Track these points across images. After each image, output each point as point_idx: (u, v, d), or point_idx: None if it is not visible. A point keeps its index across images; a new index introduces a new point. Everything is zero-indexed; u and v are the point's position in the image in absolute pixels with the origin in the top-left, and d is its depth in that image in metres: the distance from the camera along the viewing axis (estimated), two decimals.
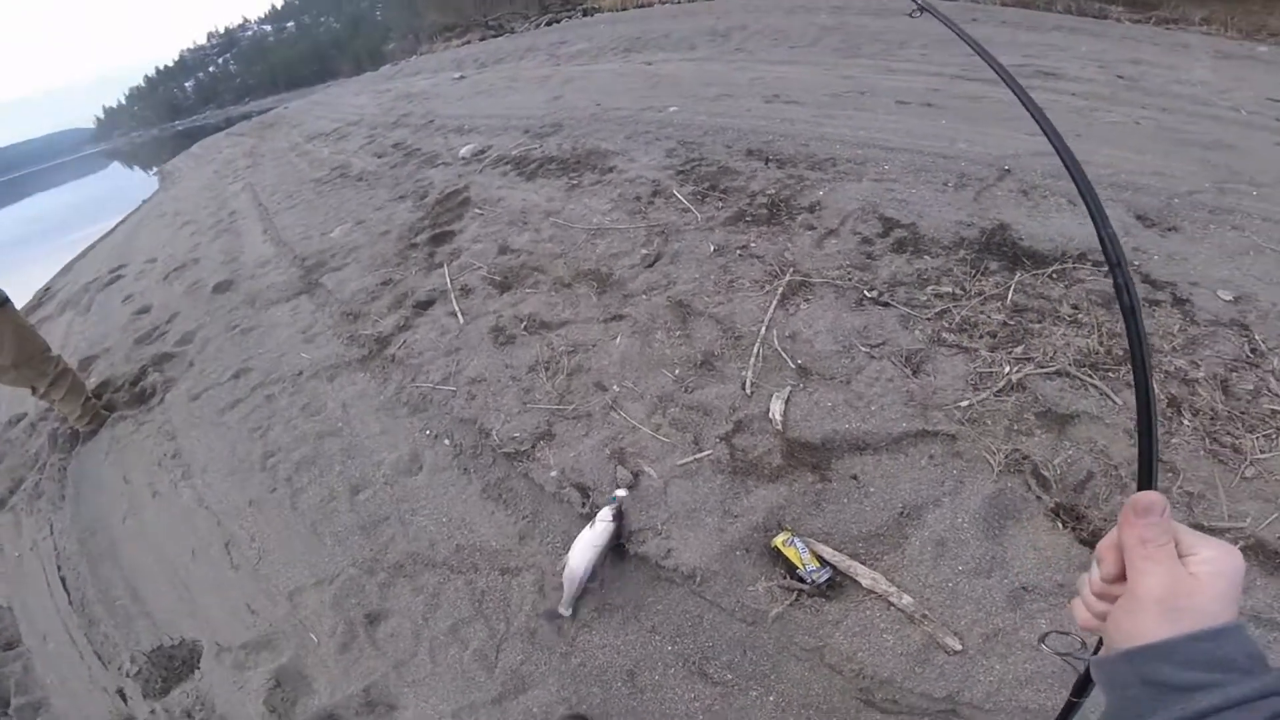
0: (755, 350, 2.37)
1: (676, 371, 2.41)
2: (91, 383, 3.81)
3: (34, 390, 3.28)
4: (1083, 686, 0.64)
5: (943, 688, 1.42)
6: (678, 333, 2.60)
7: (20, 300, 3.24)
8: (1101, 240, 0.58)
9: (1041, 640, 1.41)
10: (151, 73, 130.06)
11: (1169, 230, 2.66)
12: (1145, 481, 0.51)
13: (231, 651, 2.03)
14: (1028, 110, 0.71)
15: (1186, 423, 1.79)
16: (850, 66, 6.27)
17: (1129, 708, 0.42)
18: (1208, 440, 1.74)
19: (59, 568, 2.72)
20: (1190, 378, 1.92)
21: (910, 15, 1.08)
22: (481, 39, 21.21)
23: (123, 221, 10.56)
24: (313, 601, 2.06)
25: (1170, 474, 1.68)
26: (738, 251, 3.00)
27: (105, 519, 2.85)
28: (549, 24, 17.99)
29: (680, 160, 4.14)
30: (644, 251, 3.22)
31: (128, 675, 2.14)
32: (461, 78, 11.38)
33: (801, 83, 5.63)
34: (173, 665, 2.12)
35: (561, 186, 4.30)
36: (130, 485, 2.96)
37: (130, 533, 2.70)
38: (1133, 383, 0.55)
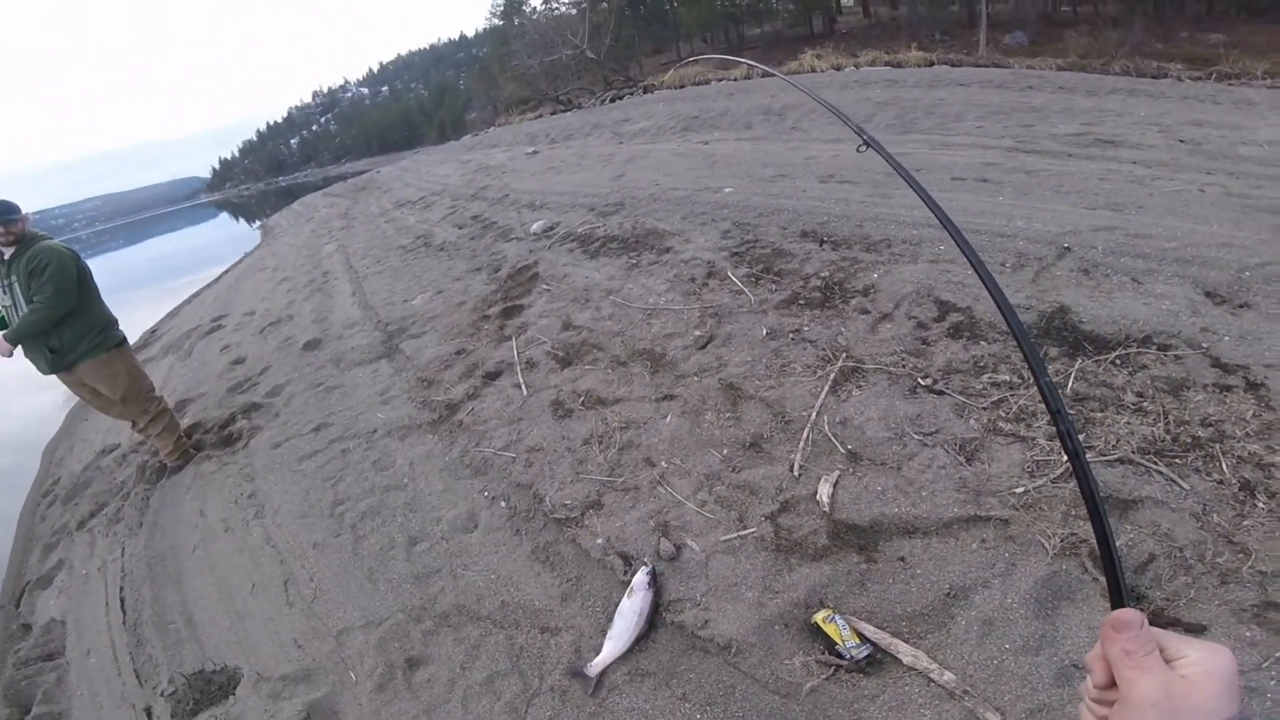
0: (805, 435, 2.41)
1: (724, 452, 2.46)
2: (185, 423, 4.19)
3: (134, 424, 3.64)
4: None
5: None
6: (727, 414, 2.66)
7: (129, 339, 3.64)
8: (1041, 390, 0.63)
9: None
10: (263, 127, 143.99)
11: (1240, 307, 2.54)
12: (1117, 602, 0.54)
13: (270, 682, 2.12)
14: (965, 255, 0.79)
15: (1261, 505, 1.73)
16: (905, 142, 6.38)
17: None
18: None
19: (121, 588, 2.92)
20: (1266, 462, 1.85)
21: (858, 150, 1.19)
22: (552, 113, 22.87)
23: (227, 271, 11.64)
24: (358, 642, 2.15)
25: (1242, 554, 1.63)
26: (790, 335, 3.06)
27: (177, 548, 3.06)
28: (613, 100, 19.24)
29: (735, 242, 4.28)
30: (697, 333, 3.33)
31: (162, 694, 2.25)
32: (535, 153, 12.27)
33: (856, 161, 5.76)
34: (209, 689, 2.21)
35: (621, 265, 4.51)
36: (205, 519, 3.20)
37: (198, 562, 2.90)
38: (1090, 519, 0.60)
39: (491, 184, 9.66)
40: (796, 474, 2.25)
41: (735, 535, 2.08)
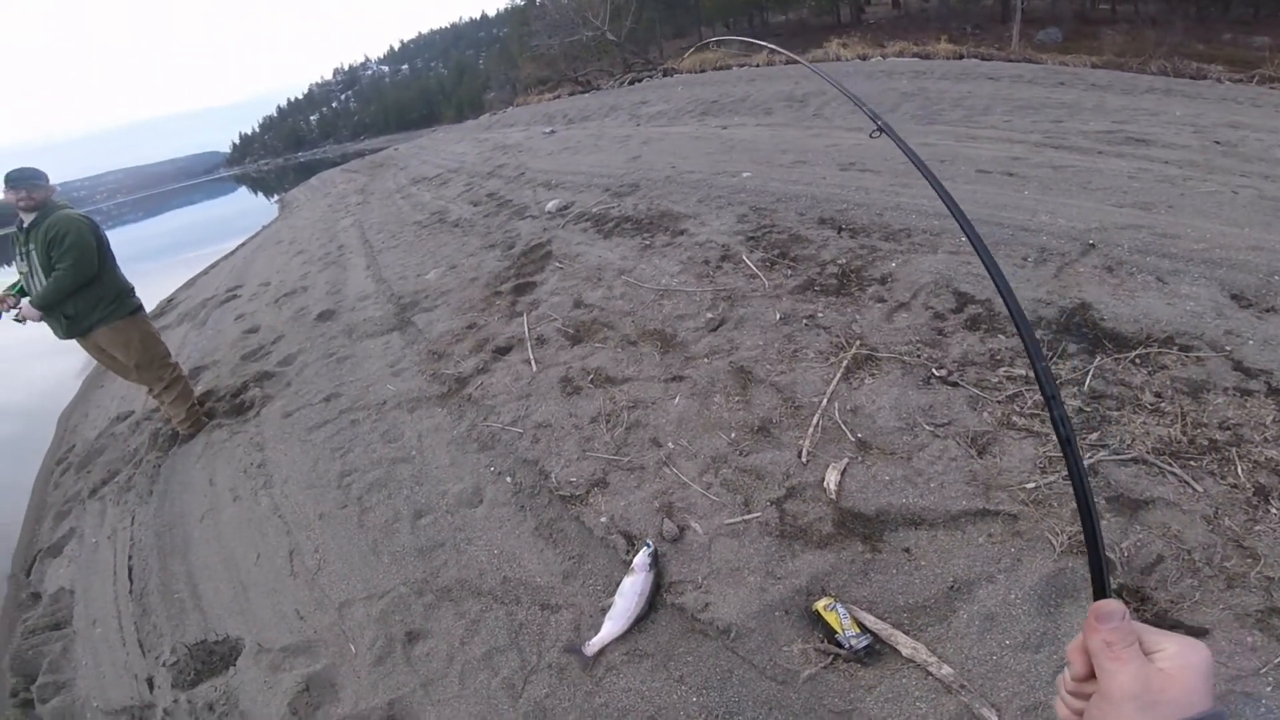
0: (815, 421, 2.38)
1: (732, 435, 2.44)
2: (198, 390, 4.23)
3: (150, 390, 3.69)
4: None
5: None
6: (736, 398, 2.64)
7: (146, 307, 3.69)
8: (1036, 374, 0.62)
9: None
10: (284, 103, 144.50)
11: (1267, 311, 2.48)
12: (1100, 592, 0.54)
13: (270, 653, 2.14)
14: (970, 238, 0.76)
15: (1274, 510, 1.71)
16: (930, 134, 6.25)
17: None
18: None
19: (130, 557, 2.95)
20: None
21: (871, 136, 1.16)
22: (571, 94, 22.65)
23: (244, 244, 11.75)
24: (359, 614, 2.16)
25: (1250, 559, 1.61)
26: (804, 321, 3.02)
27: (185, 517, 3.09)
28: (632, 83, 19.00)
29: (751, 226, 4.22)
30: (709, 315, 3.30)
31: (164, 665, 2.27)
32: (552, 133, 12.19)
33: (879, 150, 5.64)
34: (210, 660, 2.24)
35: (635, 246, 4.48)
36: (214, 488, 3.22)
37: (205, 532, 2.93)
38: (1077, 508, 0.58)
39: (508, 163, 9.63)
40: (804, 460, 2.23)
41: (740, 519, 2.07)
